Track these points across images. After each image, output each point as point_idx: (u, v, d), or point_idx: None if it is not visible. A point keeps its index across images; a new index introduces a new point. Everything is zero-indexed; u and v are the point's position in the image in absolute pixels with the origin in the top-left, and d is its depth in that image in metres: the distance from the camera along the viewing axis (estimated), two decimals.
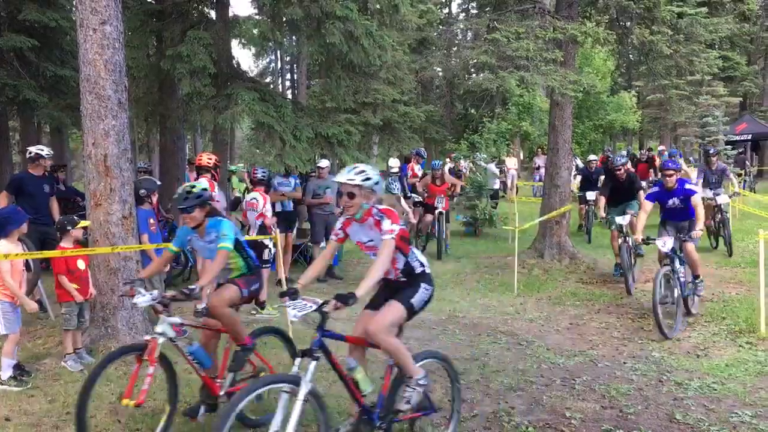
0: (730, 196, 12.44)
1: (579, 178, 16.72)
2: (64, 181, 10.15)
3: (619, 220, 9.87)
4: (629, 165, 11.44)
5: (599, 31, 10.95)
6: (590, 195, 14.39)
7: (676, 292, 7.78)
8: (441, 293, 10.11)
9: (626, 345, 7.32)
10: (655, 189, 8.55)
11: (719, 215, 12.26)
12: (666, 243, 7.85)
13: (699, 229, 8.00)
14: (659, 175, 9.65)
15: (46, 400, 5.38)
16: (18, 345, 5.90)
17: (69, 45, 13.03)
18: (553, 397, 5.56)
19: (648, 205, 8.47)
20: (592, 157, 16.66)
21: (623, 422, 5.02)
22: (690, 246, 8.23)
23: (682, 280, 7.90)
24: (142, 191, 7.50)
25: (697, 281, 8.48)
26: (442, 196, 13.14)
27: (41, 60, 12.55)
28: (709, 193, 11.95)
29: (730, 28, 19.38)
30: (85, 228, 6.55)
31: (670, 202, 8.33)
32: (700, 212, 8.09)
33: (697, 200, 8.13)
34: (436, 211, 13.02)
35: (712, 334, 7.60)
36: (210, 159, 8.71)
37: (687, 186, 8.37)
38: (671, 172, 8.18)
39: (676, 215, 8.44)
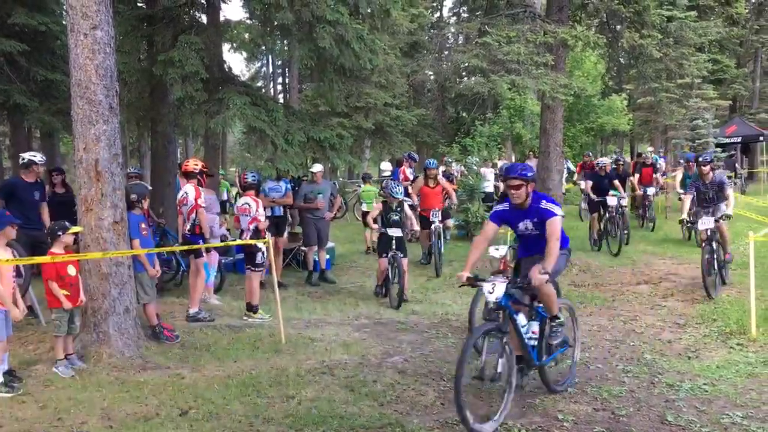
0: (716, 220, 9.54)
1: (586, 183, 14.99)
2: (65, 182, 10.08)
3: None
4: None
5: (589, 35, 11.04)
6: (611, 200, 13.11)
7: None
8: (433, 296, 10.14)
9: (618, 347, 7.34)
10: (503, 206, 5.77)
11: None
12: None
13: None
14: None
15: (37, 406, 5.35)
16: (7, 352, 5.86)
17: (60, 49, 12.97)
18: (545, 399, 5.57)
19: (489, 228, 5.78)
20: (604, 159, 16.20)
21: (615, 424, 5.04)
22: None
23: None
24: (133, 196, 7.48)
25: None
26: (438, 209, 11.98)
27: (32, 64, 12.49)
28: (709, 222, 9.43)
29: (719, 32, 19.55)
30: (76, 233, 6.52)
31: (521, 225, 5.69)
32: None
33: (554, 227, 5.39)
34: (433, 226, 11.80)
35: (703, 335, 7.64)
36: (196, 165, 8.69)
37: (545, 204, 5.52)
38: (518, 182, 5.44)
39: (531, 246, 5.77)
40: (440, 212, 11.99)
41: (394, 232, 9.75)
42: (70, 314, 6.18)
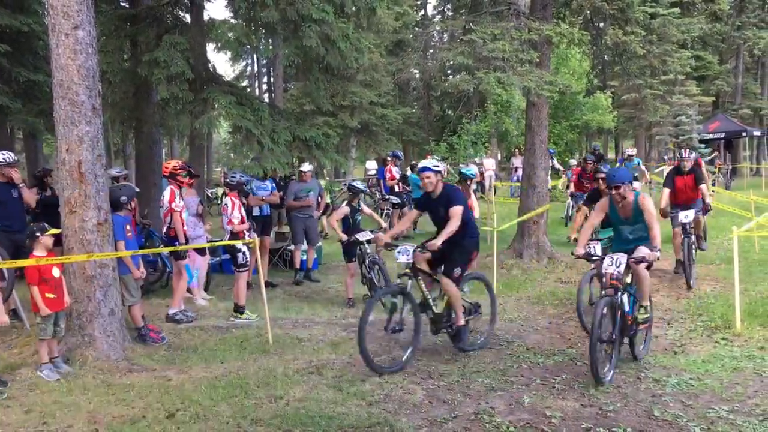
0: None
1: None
2: (52, 186, 9.98)
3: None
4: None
5: (574, 32, 11.06)
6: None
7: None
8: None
9: None
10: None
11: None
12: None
13: None
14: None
15: (21, 410, 5.30)
16: None
17: (42, 50, 12.89)
18: (533, 396, 5.58)
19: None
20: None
21: (603, 420, 5.06)
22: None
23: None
24: (123, 198, 7.40)
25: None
26: None
27: (14, 65, 12.39)
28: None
29: (702, 28, 19.69)
30: (56, 235, 6.44)
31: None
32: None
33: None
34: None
35: (688, 330, 7.69)
36: (167, 167, 8.65)
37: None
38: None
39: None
40: None
41: (364, 236, 9.49)
42: (55, 317, 6.12)
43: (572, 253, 6.65)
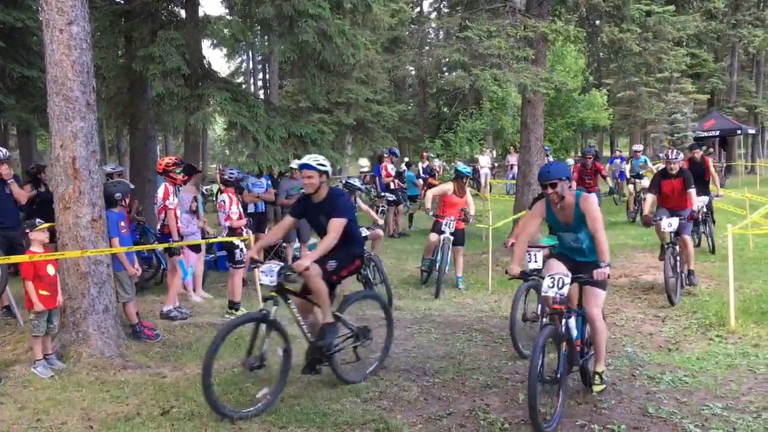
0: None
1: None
2: (46, 182, 9.95)
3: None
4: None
5: (569, 29, 11.08)
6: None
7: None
8: (416, 292, 10.14)
9: None
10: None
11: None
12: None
13: None
14: None
15: (15, 407, 5.28)
16: None
17: (36, 45, 12.82)
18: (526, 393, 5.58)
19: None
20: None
21: (597, 417, 5.07)
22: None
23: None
24: (118, 195, 7.36)
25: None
26: (453, 218, 10.09)
27: (8, 61, 12.33)
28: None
29: (697, 26, 19.67)
30: (50, 231, 6.42)
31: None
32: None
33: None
34: (442, 236, 10.03)
35: (683, 327, 7.70)
36: (160, 164, 8.64)
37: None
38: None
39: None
40: (454, 223, 10.09)
41: (363, 232, 9.52)
42: (48, 314, 6.09)
43: (506, 272, 5.43)
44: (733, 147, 32.67)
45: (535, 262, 6.68)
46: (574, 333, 5.21)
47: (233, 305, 8.50)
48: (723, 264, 9.47)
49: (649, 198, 9.51)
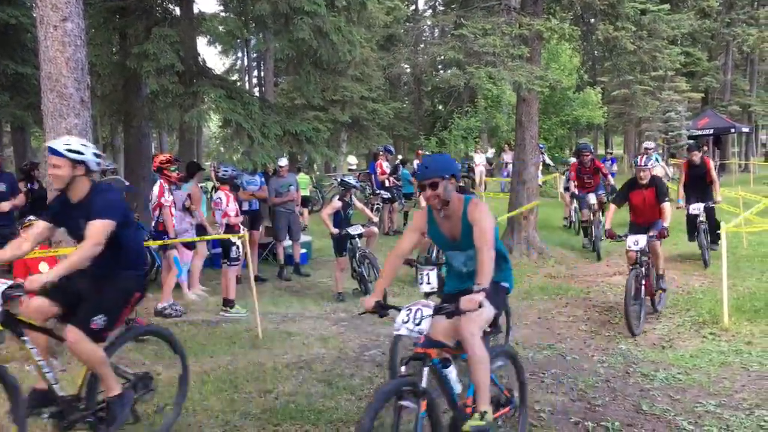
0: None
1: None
2: (39, 179, 9.94)
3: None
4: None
5: (564, 28, 11.09)
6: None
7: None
8: (411, 290, 10.14)
9: (593, 338, 7.40)
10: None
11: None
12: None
13: None
14: None
15: (9, 405, 5.25)
16: None
17: (30, 42, 12.76)
18: None
19: None
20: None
21: (591, 414, 5.08)
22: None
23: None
24: None
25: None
26: None
27: (2, 58, 12.29)
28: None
29: (692, 24, 19.77)
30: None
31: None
32: None
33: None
34: None
35: (676, 325, 7.73)
36: (154, 162, 8.64)
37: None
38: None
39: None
40: None
41: (355, 230, 9.51)
42: None
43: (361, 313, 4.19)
44: (727, 145, 32.79)
45: (428, 284, 5.69)
46: (456, 387, 3.94)
47: (228, 303, 8.50)
48: (716, 262, 9.50)
49: (612, 209, 8.32)
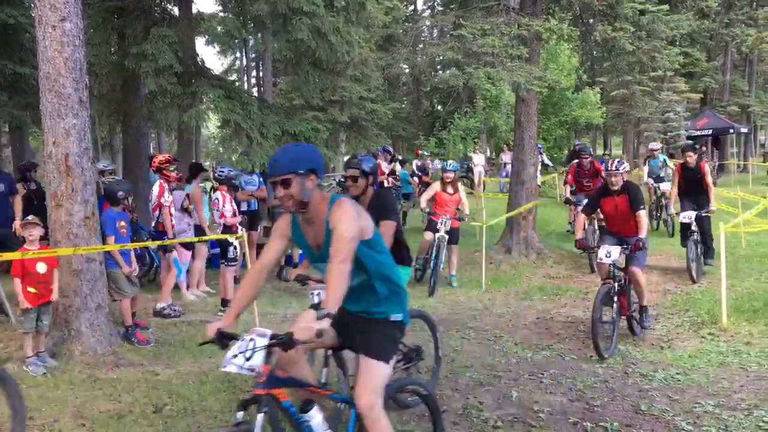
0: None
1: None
2: (37, 180, 9.94)
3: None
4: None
5: (563, 28, 11.10)
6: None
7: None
8: (410, 291, 10.12)
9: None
10: None
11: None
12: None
13: None
14: None
15: (7, 405, 5.24)
16: None
17: (29, 42, 12.76)
18: (521, 391, 5.60)
19: None
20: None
21: (590, 414, 5.08)
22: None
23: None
24: (121, 193, 7.30)
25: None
26: (449, 216, 9.85)
27: (0, 58, 12.27)
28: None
29: (691, 25, 19.73)
30: (42, 226, 6.38)
31: None
32: None
33: None
34: (437, 235, 9.81)
35: (675, 326, 7.73)
36: (153, 162, 8.64)
37: None
38: None
39: None
40: (449, 221, 9.84)
41: None
42: (37, 312, 6.05)
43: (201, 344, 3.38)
44: (726, 146, 32.81)
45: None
46: None
47: (226, 303, 8.48)
48: (715, 262, 9.51)
49: (581, 218, 7.52)
